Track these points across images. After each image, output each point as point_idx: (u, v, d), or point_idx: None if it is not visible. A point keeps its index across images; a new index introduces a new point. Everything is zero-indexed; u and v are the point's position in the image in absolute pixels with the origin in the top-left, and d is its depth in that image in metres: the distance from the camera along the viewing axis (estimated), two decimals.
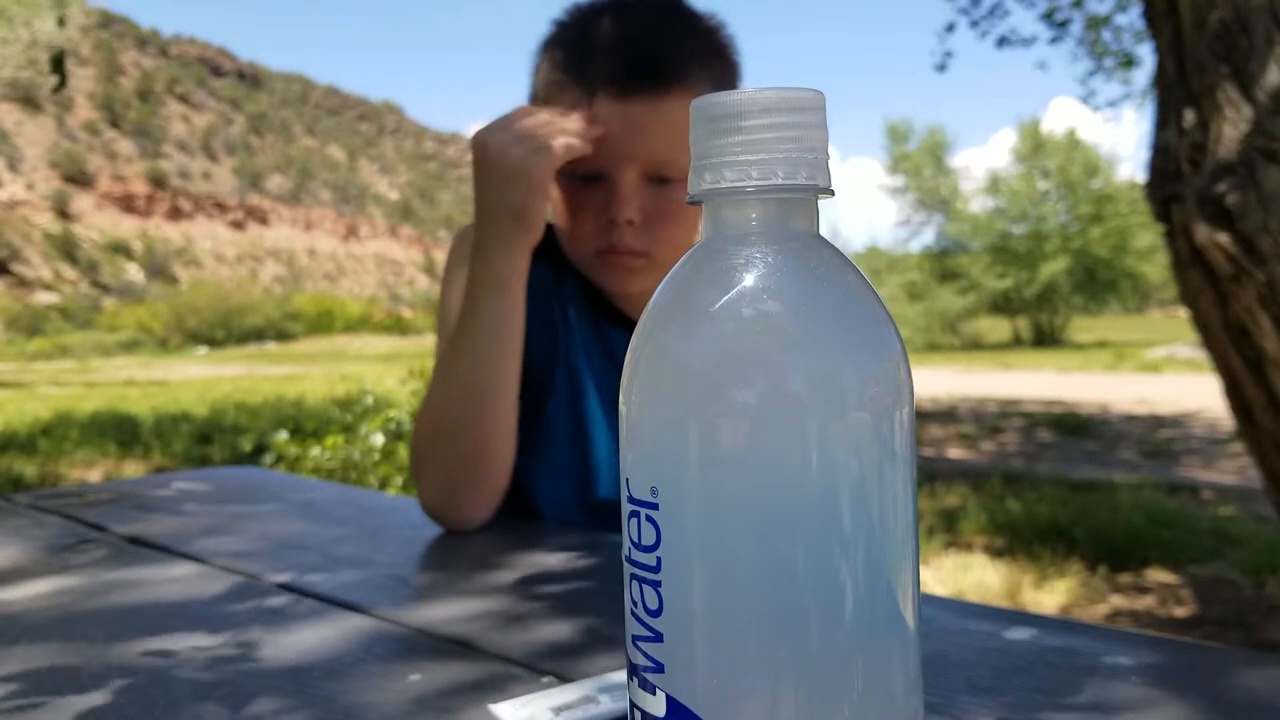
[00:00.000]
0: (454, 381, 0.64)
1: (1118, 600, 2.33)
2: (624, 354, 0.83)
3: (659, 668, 0.23)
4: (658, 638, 0.23)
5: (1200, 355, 2.13)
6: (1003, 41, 5.22)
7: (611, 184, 0.65)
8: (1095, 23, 5.32)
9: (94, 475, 4.56)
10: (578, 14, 0.69)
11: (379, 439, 3.29)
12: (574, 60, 0.66)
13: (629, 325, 0.72)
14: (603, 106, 0.64)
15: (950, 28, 5.19)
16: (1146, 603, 2.32)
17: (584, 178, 0.66)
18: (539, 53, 0.70)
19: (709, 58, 0.67)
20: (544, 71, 0.69)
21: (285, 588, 0.54)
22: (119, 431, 5.73)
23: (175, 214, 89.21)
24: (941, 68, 5.20)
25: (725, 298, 0.23)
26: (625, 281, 0.69)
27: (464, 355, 0.63)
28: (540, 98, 0.69)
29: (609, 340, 0.73)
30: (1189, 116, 1.36)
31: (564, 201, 0.67)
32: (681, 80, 0.64)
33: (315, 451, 3.38)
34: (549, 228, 0.77)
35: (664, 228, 0.66)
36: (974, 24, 5.16)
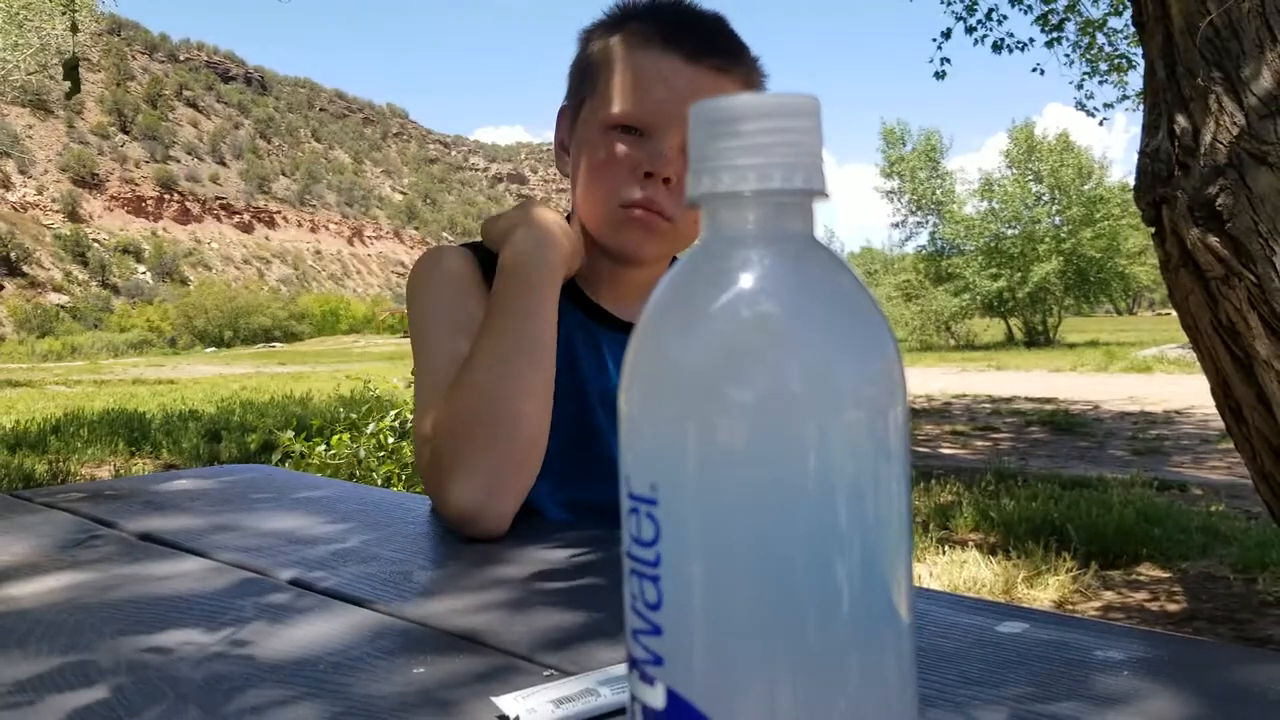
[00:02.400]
0: (511, 375, 0.63)
1: (1109, 596, 2.32)
2: (617, 358, 0.82)
3: (658, 661, 0.23)
4: (657, 631, 0.23)
5: (1189, 355, 2.12)
6: (998, 46, 5.21)
7: (656, 141, 0.67)
8: (1089, 26, 5.30)
9: (104, 472, 4.58)
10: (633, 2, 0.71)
11: (391, 440, 3.30)
12: (646, 23, 0.68)
13: (622, 329, 0.73)
14: (670, 63, 0.66)
15: (947, 34, 5.18)
16: (1138, 598, 2.31)
17: (625, 129, 0.67)
18: (587, 37, 0.72)
19: (756, 65, 0.71)
20: (600, 43, 0.70)
21: (292, 583, 0.54)
22: (128, 429, 5.75)
23: (184, 216, 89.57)
24: (940, 75, 5.18)
25: (723, 298, 0.23)
26: (642, 242, 0.69)
27: (524, 350, 0.63)
28: (592, 64, 0.70)
29: (600, 345, 0.73)
30: (1179, 120, 1.36)
31: (599, 152, 0.68)
32: (744, 65, 0.68)
33: (321, 449, 3.39)
34: None
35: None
36: (969, 30, 5.15)
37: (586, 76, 0.71)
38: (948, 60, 5.17)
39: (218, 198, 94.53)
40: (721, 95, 0.78)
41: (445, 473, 0.63)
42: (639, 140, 0.67)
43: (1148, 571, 2.51)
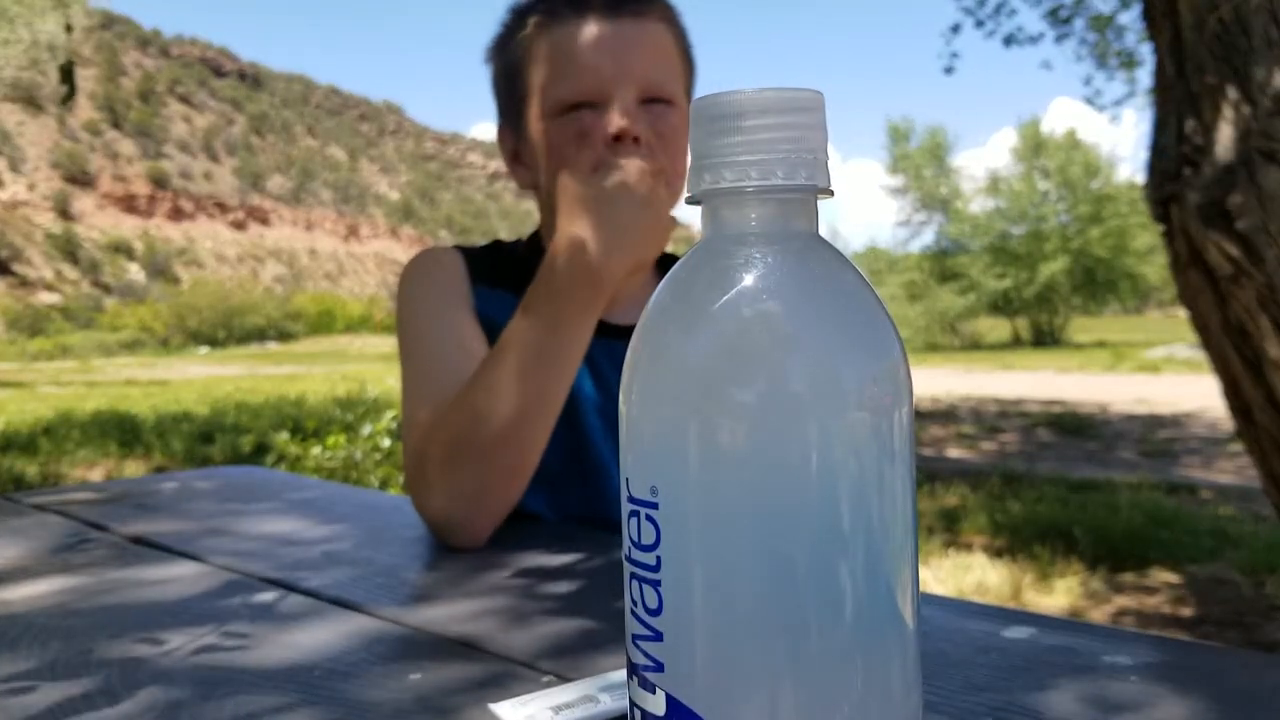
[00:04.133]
0: (519, 394, 0.59)
1: (1119, 600, 2.33)
2: (606, 363, 0.79)
3: (659, 667, 0.23)
4: (657, 637, 0.23)
5: (1199, 355, 2.13)
6: (1009, 40, 5.22)
7: (611, 106, 0.63)
8: (1098, 22, 5.32)
9: (95, 475, 4.56)
10: None
11: (387, 442, 3.29)
12: (548, 2, 0.67)
13: (607, 332, 0.70)
14: (594, 27, 0.65)
15: (956, 28, 5.18)
16: (1146, 602, 2.32)
17: (574, 106, 0.64)
18: (497, 49, 0.71)
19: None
20: (514, 44, 0.69)
21: (286, 587, 0.54)
22: (120, 431, 5.73)
23: (176, 214, 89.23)
24: (949, 70, 5.19)
25: (725, 298, 0.23)
26: None
27: (546, 366, 0.59)
28: (516, 65, 0.69)
29: (592, 352, 0.69)
30: (1189, 118, 1.36)
31: (555, 139, 0.65)
32: (654, 3, 0.67)
33: (316, 451, 3.38)
34: (509, 248, 0.76)
35: (664, 153, 0.65)
36: (979, 24, 5.16)
37: (516, 80, 0.69)
38: (956, 55, 5.19)
39: (211, 195, 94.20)
40: (652, 38, 0.77)
41: (429, 482, 0.61)
42: (597, 112, 0.64)
43: (1156, 575, 2.51)
